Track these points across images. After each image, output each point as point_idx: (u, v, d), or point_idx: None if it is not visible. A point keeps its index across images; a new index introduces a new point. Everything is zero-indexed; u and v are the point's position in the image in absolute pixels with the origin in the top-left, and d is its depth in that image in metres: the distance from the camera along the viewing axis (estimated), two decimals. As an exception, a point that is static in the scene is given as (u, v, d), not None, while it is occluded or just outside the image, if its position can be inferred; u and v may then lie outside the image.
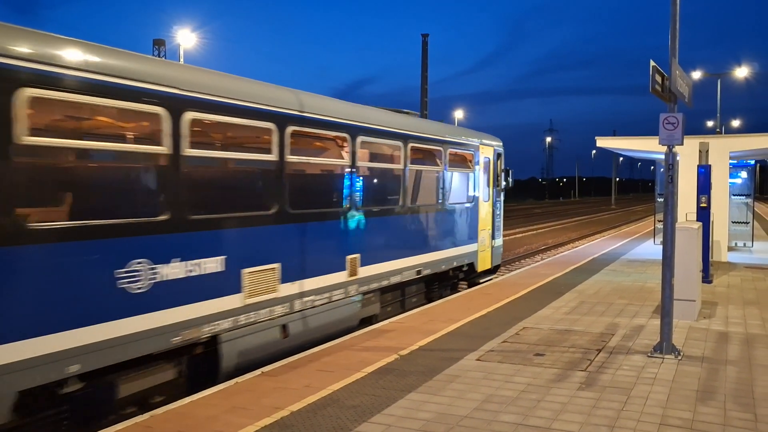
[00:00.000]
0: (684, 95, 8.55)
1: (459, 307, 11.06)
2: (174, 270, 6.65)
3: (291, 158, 8.42)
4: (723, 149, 17.50)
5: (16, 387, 5.23)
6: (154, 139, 6.56)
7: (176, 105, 6.66)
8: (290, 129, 8.38)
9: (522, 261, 22.88)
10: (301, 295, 8.64)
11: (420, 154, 11.95)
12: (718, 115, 42.38)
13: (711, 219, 14.66)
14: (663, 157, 8.47)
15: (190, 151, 6.84)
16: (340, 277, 9.46)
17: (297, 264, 8.55)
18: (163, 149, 6.57)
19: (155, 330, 6.45)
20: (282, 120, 8.22)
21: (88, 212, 6.08)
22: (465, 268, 14.10)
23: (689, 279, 9.83)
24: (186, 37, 48.73)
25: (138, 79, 6.26)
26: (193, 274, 6.88)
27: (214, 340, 7.30)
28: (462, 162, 13.73)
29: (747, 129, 67.67)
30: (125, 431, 5.66)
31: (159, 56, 47.08)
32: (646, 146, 19.31)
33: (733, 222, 20.31)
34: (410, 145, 11.37)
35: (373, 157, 10.73)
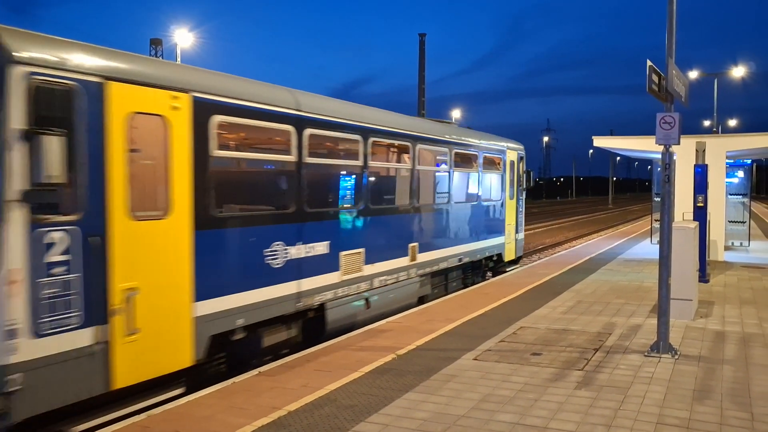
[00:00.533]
0: (680, 95, 8.56)
1: (456, 307, 11.07)
2: (298, 251, 8.60)
3: (371, 163, 10.38)
4: (720, 149, 17.54)
5: (210, 332, 7.13)
6: (286, 150, 8.50)
7: (300, 124, 8.58)
8: (371, 140, 10.29)
9: (519, 260, 22.84)
10: (379, 274, 10.56)
11: (461, 159, 13.78)
12: (715, 114, 42.48)
13: (708, 218, 14.67)
14: (660, 156, 8.48)
15: (308, 159, 8.75)
16: (404, 261, 11.38)
17: (375, 249, 10.42)
18: (292, 158, 8.48)
19: (287, 297, 8.38)
20: (365, 133, 10.16)
21: (250, 205, 8.37)
22: (495, 258, 16.09)
23: (686, 278, 9.84)
24: (183, 37, 48.66)
25: (278, 105, 8.26)
26: (309, 254, 8.83)
27: (321, 307, 9.21)
28: (493, 165, 15.65)
29: (744, 128, 67.89)
30: (122, 431, 5.65)
31: (156, 56, 47.04)
32: (643, 146, 19.33)
33: (729, 221, 20.35)
34: (454, 151, 13.30)
35: (428, 162, 12.59)
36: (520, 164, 17.52)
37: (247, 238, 7.75)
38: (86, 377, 5.80)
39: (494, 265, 16.27)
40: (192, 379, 7.06)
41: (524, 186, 17.94)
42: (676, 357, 7.85)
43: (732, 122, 67.30)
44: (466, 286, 14.16)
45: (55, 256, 5.53)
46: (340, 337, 9.09)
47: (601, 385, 6.77)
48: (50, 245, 5.50)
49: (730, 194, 20.86)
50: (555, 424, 5.67)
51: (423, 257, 11.97)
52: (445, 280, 13.56)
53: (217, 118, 7.27)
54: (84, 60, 5.87)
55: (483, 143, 14.96)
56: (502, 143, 16.37)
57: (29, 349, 5.33)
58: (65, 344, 5.61)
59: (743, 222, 21.54)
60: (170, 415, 6.01)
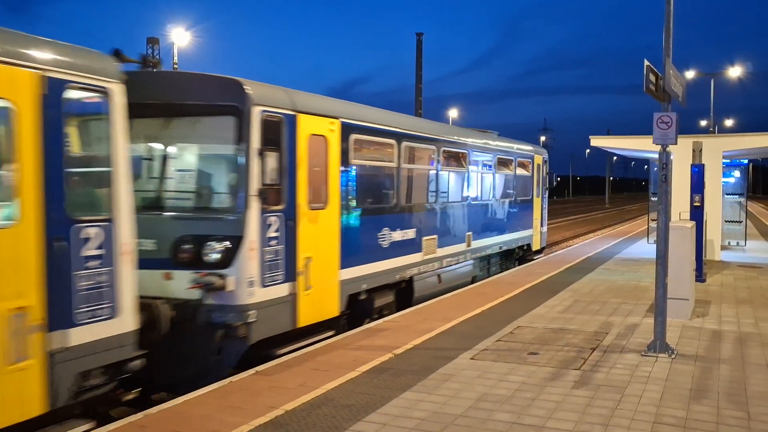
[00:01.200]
0: (678, 94, 8.57)
1: (454, 306, 11.07)
2: (397, 235, 11.10)
3: (442, 168, 13.06)
4: (716, 149, 17.57)
5: (348, 292, 9.54)
6: (390, 158, 11.17)
7: (399, 138, 11.26)
8: (442, 149, 12.97)
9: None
10: (447, 256, 13.11)
11: (502, 163, 16.38)
12: (712, 114, 42.59)
13: (704, 218, 14.71)
14: (657, 156, 8.49)
15: (403, 165, 11.40)
16: (462, 246, 13.92)
17: (444, 236, 12.98)
18: (393, 164, 11.20)
19: (391, 270, 10.91)
20: (438, 144, 12.82)
21: (370, 200, 10.66)
22: (525, 247, 18.38)
23: (683, 278, 9.87)
24: (180, 36, 48.57)
25: (385, 124, 10.90)
26: (404, 238, 11.38)
27: (411, 280, 11.65)
28: (524, 167, 18.11)
29: (740, 128, 67.98)
30: (120, 430, 5.64)
31: (152, 55, 46.95)
32: (640, 145, 19.36)
33: (726, 221, 20.39)
34: (497, 157, 15.99)
35: (477, 165, 15.11)
36: (544, 167, 19.92)
37: (370, 224, 10.40)
38: (284, 317, 8.21)
39: (523, 253, 18.51)
40: (338, 327, 9.48)
41: (547, 186, 20.57)
42: (673, 356, 7.86)
43: (729, 122, 67.37)
44: (502, 271, 16.39)
45: (272, 233, 7.96)
46: (338, 336, 9.10)
47: (598, 385, 6.78)
48: (269, 225, 7.90)
49: (727, 194, 20.91)
50: (552, 424, 5.68)
51: (475, 244, 14.60)
52: (488, 264, 16.05)
53: (354, 136, 9.82)
54: (287, 100, 8.37)
55: (516, 149, 17.55)
56: (531, 148, 18.92)
57: (259, 294, 7.74)
58: (275, 293, 8.03)
59: (740, 222, 21.60)
60: (168, 414, 6.00)
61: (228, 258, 7.53)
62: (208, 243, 7.56)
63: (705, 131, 43.94)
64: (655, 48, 8.11)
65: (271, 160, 7.91)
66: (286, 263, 8.17)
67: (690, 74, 41.51)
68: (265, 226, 7.81)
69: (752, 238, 24.32)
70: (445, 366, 7.48)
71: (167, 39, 47.74)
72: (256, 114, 7.74)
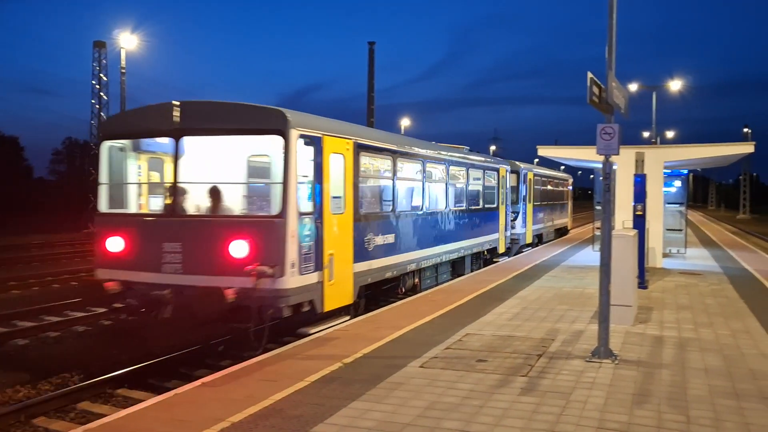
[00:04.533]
0: (620, 106, 8.80)
1: (404, 314, 11.09)
2: (395, 238, 12.93)
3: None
4: (658, 159, 18.10)
5: (359, 284, 11.34)
6: (389, 172, 12.94)
7: (394, 155, 12.96)
8: (426, 163, 14.84)
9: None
10: (432, 256, 15.15)
11: (473, 175, 18.48)
12: (654, 126, 43.92)
13: (646, 226, 15.12)
14: (601, 166, 8.68)
15: (398, 178, 13.12)
16: (449, 247, 16.29)
17: (430, 237, 14.99)
18: (389, 179, 12.90)
19: (391, 265, 12.77)
20: (424, 158, 14.77)
21: (371, 208, 12.45)
22: (492, 250, 20.66)
23: (626, 285, 10.10)
24: (127, 40, 47.53)
25: (385, 144, 12.80)
26: (397, 240, 13.10)
27: (406, 274, 13.82)
28: (491, 179, 20.27)
29: (681, 140, 70.26)
30: (57, 447, 5.45)
31: (99, 59, 45.83)
32: (585, 155, 19.81)
33: (667, 229, 20.98)
34: (468, 170, 18.01)
35: (454, 178, 17.02)
36: (510, 177, 22.77)
37: (372, 228, 11.87)
38: (313, 301, 9.87)
39: (490, 255, 20.84)
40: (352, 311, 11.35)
41: (518, 196, 24.57)
42: (617, 362, 8.04)
43: (670, 134, 69.64)
44: (473, 270, 18.47)
45: (306, 232, 9.64)
46: (287, 346, 9.00)
47: (544, 391, 6.87)
48: (306, 225, 9.63)
49: (668, 203, 21.53)
50: (499, 431, 5.72)
51: (455, 245, 16.77)
52: (463, 263, 17.99)
53: (362, 153, 11.52)
54: (315, 125, 10.21)
55: (483, 162, 19.95)
56: (497, 164, 21.53)
57: (296, 280, 9.34)
58: (308, 280, 9.66)
59: (680, 230, 22.28)
60: (109, 429, 5.82)
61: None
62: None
63: (648, 142, 45.26)
64: (603, 60, 8.32)
65: (305, 173, 9.87)
66: (315, 257, 9.87)
67: (633, 87, 42.74)
68: (302, 225, 9.55)
69: (692, 245, 25.14)
70: (394, 374, 7.48)
71: (115, 42, 46.70)
72: (296, 137, 9.42)
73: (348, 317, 10.92)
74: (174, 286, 9.29)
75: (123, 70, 47.56)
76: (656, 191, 18.00)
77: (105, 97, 46.11)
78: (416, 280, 14.45)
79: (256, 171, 11.84)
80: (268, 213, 10.04)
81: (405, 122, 64.06)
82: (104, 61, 46.13)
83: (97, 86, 45.85)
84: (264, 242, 9.13)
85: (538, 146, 20.49)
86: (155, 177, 11.05)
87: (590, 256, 21.07)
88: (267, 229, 9.24)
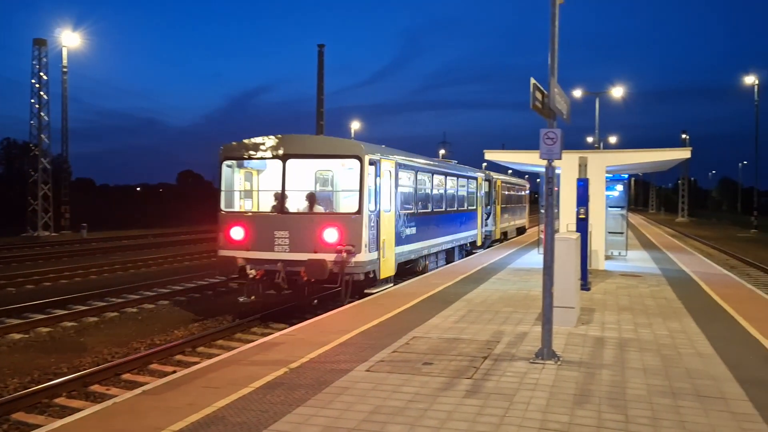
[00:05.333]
0: (562, 112, 8.96)
1: (351, 318, 11.05)
2: (421, 229, 17.61)
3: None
4: (600, 164, 18.51)
5: (398, 261, 15.71)
6: (412, 181, 17.26)
7: (415, 170, 17.56)
8: (434, 175, 19.59)
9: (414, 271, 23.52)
10: (442, 243, 20.20)
11: (460, 184, 22.65)
12: (597, 131, 45.01)
13: (589, 229, 15.45)
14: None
15: (419, 185, 17.83)
16: (449, 237, 21.17)
17: (440, 230, 19.81)
18: (411, 186, 17.10)
19: (416, 249, 17.35)
20: (437, 172, 19.84)
21: (406, 206, 16.64)
22: (472, 242, 25.02)
23: (568, 287, 10.28)
24: (69, 38, 46.02)
25: (412, 162, 17.36)
26: (424, 231, 17.88)
27: (428, 255, 18.67)
28: (471, 186, 24.63)
29: (623, 145, 72.34)
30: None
31: (40, 57, 44.35)
32: (530, 160, 20.13)
33: (609, 232, 21.50)
34: (458, 179, 22.31)
35: (450, 186, 21.46)
36: (484, 184, 27.26)
37: (404, 223, 16.23)
38: (375, 270, 14.17)
39: (471, 247, 25.08)
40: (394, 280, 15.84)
41: (489, 199, 28.53)
42: (559, 363, 8.17)
43: (613, 139, 71.59)
44: (462, 256, 23.12)
45: (372, 224, 13.93)
46: (232, 352, 8.86)
47: (488, 393, 6.93)
48: (371, 219, 13.89)
49: (610, 207, 22.06)
50: (444, 434, 5.73)
51: (452, 237, 21.45)
52: (453, 251, 22.22)
53: (400, 170, 15.96)
54: (377, 151, 14.64)
55: (469, 174, 24.31)
56: (474, 171, 25.57)
57: (367, 256, 13.65)
58: (373, 256, 13.98)
59: (621, 233, 22.86)
60: (42, 441, 5.60)
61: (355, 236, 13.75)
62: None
63: (591, 147, 46.33)
64: (547, 66, 8.45)
65: (372, 184, 14.08)
66: (376, 241, 14.24)
67: (577, 93, 43.74)
68: (371, 219, 13.99)
69: (633, 248, 25.84)
70: (340, 379, 7.43)
71: (56, 40, 45.23)
72: (367, 160, 13.94)
73: (392, 284, 15.36)
74: (283, 260, 13.66)
75: (65, 69, 46.22)
76: (599, 195, 18.42)
77: (45, 96, 44.65)
78: (426, 263, 18.70)
79: (338, 183, 16.31)
80: (350, 211, 14.06)
81: (355, 125, 64.05)
82: (45, 60, 44.66)
83: (37, 85, 44.34)
84: (348, 230, 13.54)
85: (485, 150, 20.72)
86: (253, 185, 15.76)
87: (536, 258, 21.44)
88: (350, 222, 13.69)
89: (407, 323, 10.63)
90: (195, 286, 19.46)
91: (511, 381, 7.39)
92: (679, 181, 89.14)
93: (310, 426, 5.93)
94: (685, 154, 19.69)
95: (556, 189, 13.89)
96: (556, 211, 18.10)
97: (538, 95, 8.15)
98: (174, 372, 9.11)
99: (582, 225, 14.72)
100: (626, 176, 24.55)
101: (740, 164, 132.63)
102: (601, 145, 50.93)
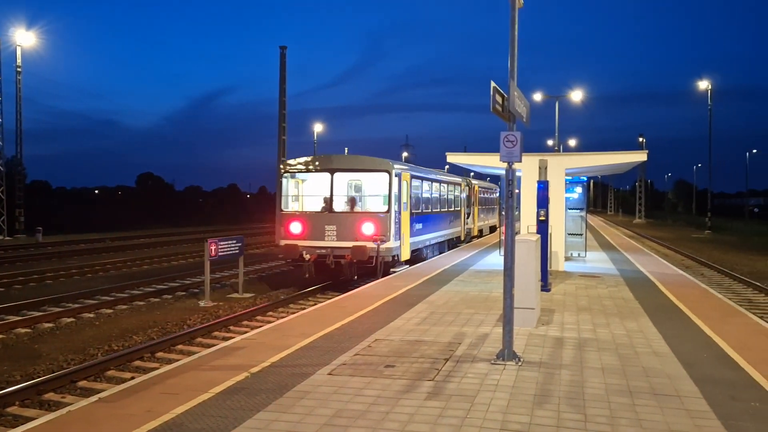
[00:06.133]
0: (522, 115, 9.06)
1: (312, 321, 10.99)
2: (426, 225, 23.26)
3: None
4: (560, 166, 18.80)
5: (412, 249, 21.26)
6: (420, 187, 22.67)
7: (421, 179, 22.99)
8: (433, 183, 24.79)
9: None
10: (438, 236, 25.31)
11: (449, 189, 27.87)
12: (556, 134, 45.67)
13: (549, 231, 15.65)
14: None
15: (424, 192, 23.37)
16: (444, 232, 26.36)
17: (436, 227, 25.01)
18: (419, 191, 22.72)
19: (423, 239, 22.96)
20: (436, 181, 25.40)
21: (418, 208, 22.22)
22: (457, 237, 29.74)
23: (529, 288, 10.39)
24: (24, 36, 44.89)
25: (420, 173, 23.20)
26: (427, 227, 23.33)
27: (434, 246, 25.04)
28: (456, 191, 29.51)
29: (582, 148, 73.49)
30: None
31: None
32: (491, 162, 20.30)
33: (569, 234, 21.82)
34: (448, 185, 27.65)
35: (442, 191, 26.46)
36: (466, 188, 31.87)
37: (415, 220, 20.89)
38: (398, 255, 19.35)
39: (455, 241, 29.55)
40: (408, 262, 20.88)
41: (469, 201, 33.22)
42: (520, 364, 8.25)
43: (572, 142, 72.72)
44: (450, 249, 27.56)
45: (396, 220, 19.09)
46: (191, 357, 8.72)
47: (450, 395, 6.96)
48: (396, 217, 19.15)
49: (570, 209, 22.39)
50: (405, 436, 5.73)
51: (444, 232, 26.33)
52: (446, 243, 27.11)
53: (413, 179, 21.06)
54: (400, 166, 20.15)
55: (455, 180, 29.51)
56: (457, 178, 30.39)
57: (393, 244, 18.96)
58: (396, 244, 19.19)
59: (581, 234, 23.23)
60: (-9, 452, 5.43)
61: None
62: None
63: (551, 150, 47.01)
64: (507, 70, 8.53)
65: (396, 191, 18.94)
66: (399, 233, 19.14)
67: (537, 96, 44.33)
68: (393, 217, 18.68)
69: (591, 249, 26.28)
70: (301, 383, 7.38)
71: (10, 39, 44.05)
72: (393, 173, 18.89)
73: (408, 266, 20.26)
74: (332, 247, 18.52)
75: (19, 68, 45.00)
76: (558, 197, 18.71)
77: (-2, 96, 43.41)
78: (427, 253, 23.52)
79: (365, 189, 20.78)
80: (381, 210, 19.06)
81: (318, 128, 63.84)
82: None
83: (-11, 85, 43.06)
84: (380, 224, 18.47)
85: (447, 153, 20.85)
86: (300, 191, 20.68)
87: (497, 259, 21.62)
88: (381, 218, 18.60)
89: (369, 326, 10.62)
90: (154, 290, 19.15)
91: (472, 382, 7.43)
92: (637, 184, 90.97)
93: (270, 431, 5.87)
94: (641, 157, 20.10)
95: (516, 191, 14.01)
96: (517, 213, 18.55)
97: (498, 98, 8.23)
98: (132, 378, 8.95)
99: (542, 227, 14.91)
100: (585, 179, 24.96)
101: (695, 167, 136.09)
102: (561, 148, 51.70)
